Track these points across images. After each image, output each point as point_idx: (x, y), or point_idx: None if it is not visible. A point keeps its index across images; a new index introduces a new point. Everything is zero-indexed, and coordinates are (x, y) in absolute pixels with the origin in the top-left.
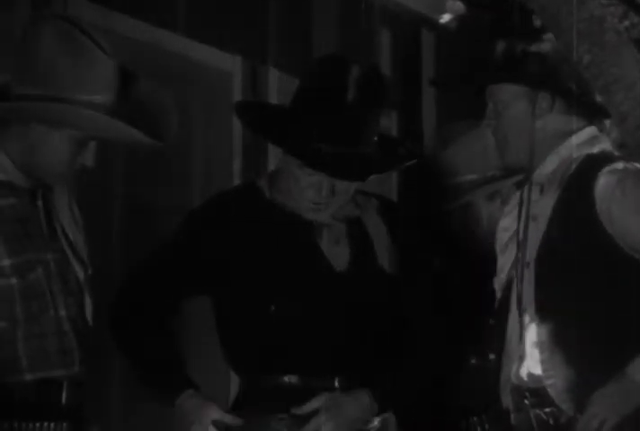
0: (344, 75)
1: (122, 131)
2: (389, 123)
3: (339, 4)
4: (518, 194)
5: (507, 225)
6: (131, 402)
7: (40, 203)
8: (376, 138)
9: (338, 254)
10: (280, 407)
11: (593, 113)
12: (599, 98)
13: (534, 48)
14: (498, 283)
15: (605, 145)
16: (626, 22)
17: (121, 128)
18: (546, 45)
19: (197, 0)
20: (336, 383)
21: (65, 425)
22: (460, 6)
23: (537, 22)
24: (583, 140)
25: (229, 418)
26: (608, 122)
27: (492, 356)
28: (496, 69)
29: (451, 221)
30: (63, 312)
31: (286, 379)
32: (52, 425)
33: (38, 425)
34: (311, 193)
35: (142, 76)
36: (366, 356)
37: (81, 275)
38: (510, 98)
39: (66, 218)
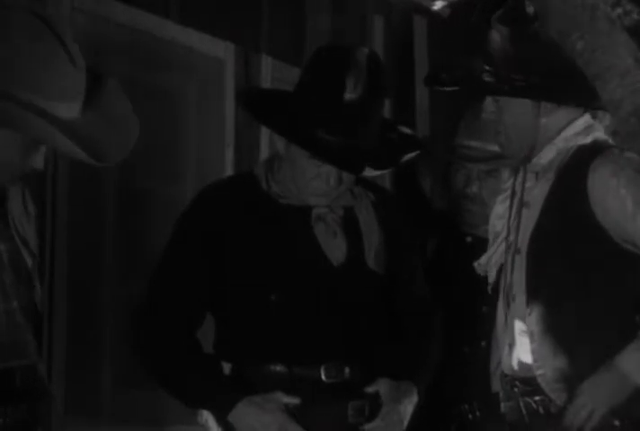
0: (347, 67)
1: (67, 147)
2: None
3: None
4: (511, 181)
5: (501, 212)
6: (120, 390)
7: None
8: (379, 129)
9: (335, 247)
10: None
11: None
12: (592, 85)
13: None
14: (491, 269)
15: (599, 134)
16: (619, 10)
17: (67, 145)
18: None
19: None
20: (322, 373)
21: (24, 406)
22: None
23: (530, 9)
24: (579, 130)
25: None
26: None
27: (483, 344)
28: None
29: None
30: (15, 303)
31: (273, 367)
32: (9, 409)
33: None
34: (317, 183)
35: (109, 79)
36: (357, 345)
37: (29, 263)
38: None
39: (17, 214)
